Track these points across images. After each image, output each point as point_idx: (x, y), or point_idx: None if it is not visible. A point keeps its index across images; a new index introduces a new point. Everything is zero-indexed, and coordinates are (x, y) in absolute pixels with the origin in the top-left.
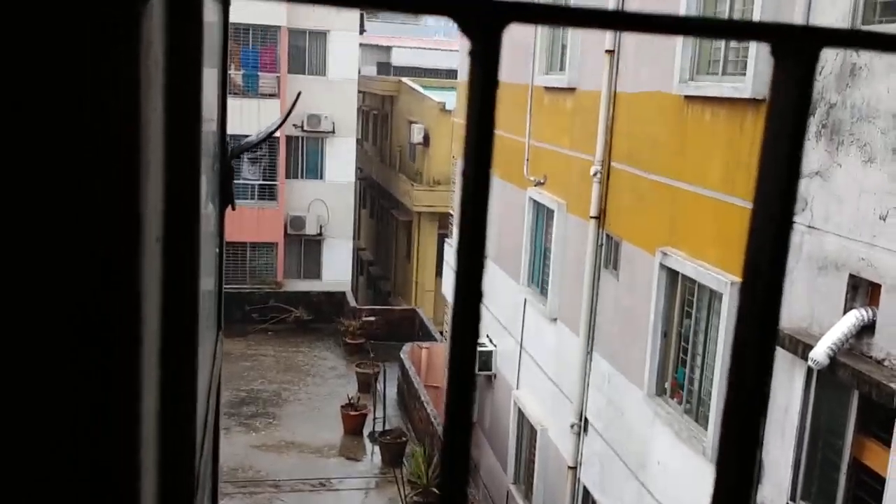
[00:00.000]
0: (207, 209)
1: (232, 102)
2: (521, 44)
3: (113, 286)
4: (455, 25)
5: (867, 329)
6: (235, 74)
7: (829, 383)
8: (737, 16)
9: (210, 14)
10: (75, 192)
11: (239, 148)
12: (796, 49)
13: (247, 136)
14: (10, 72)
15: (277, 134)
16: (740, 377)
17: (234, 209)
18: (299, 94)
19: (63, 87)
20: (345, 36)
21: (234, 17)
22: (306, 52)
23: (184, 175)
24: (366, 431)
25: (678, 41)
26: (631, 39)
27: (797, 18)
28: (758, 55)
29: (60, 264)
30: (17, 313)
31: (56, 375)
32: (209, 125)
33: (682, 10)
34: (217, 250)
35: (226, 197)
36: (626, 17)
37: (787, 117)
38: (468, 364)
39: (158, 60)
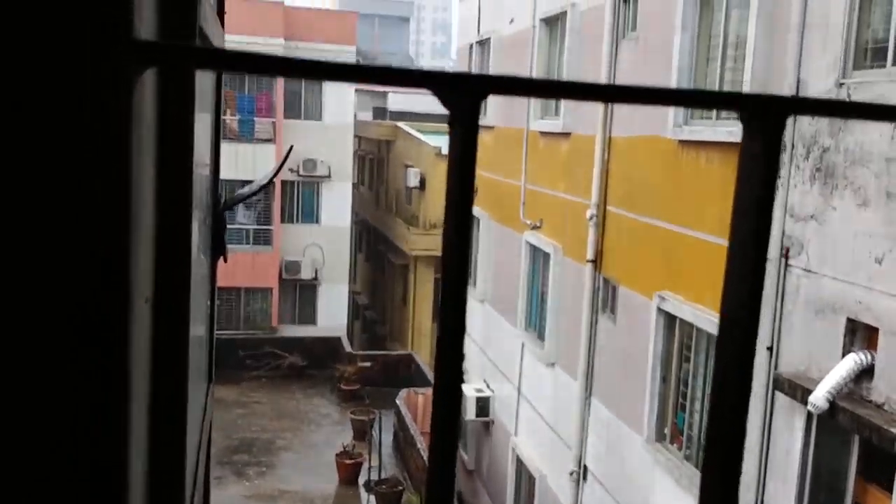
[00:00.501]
0: (199, 261)
1: (228, 147)
2: None
3: (100, 348)
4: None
5: (866, 373)
6: (231, 120)
7: (830, 428)
8: (729, 62)
9: (203, 74)
10: (63, 255)
11: (231, 200)
12: (763, 117)
13: (242, 181)
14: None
15: (275, 180)
16: (721, 412)
17: (225, 261)
18: (291, 147)
19: (55, 154)
20: (340, 83)
21: None
22: (302, 98)
23: (174, 236)
24: (361, 480)
25: (672, 85)
26: (625, 81)
27: (789, 64)
28: None
29: (46, 329)
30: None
31: (43, 453)
32: (202, 176)
33: (674, 61)
34: (209, 302)
35: (218, 248)
36: (598, 88)
37: (756, 183)
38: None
39: (150, 125)
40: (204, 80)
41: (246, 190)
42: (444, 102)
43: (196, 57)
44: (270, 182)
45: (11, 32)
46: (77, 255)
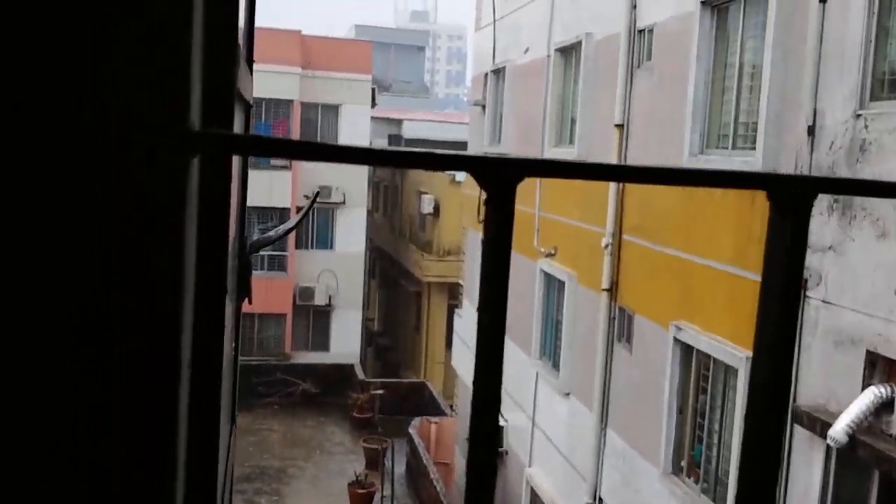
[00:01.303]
0: (228, 305)
1: None
2: (530, 116)
3: (149, 415)
4: (466, 99)
5: (886, 406)
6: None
7: (849, 462)
8: (744, 93)
9: (238, 120)
10: (116, 326)
11: (257, 243)
12: (791, 196)
13: (259, 207)
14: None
15: (288, 205)
16: (753, 450)
17: (250, 302)
18: (318, 192)
19: (114, 247)
20: (357, 109)
21: None
22: (318, 125)
23: (210, 304)
24: None
25: (687, 115)
26: (640, 112)
27: (805, 95)
28: (767, 130)
29: (99, 404)
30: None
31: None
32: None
33: (689, 92)
34: (233, 344)
35: (243, 291)
36: (628, 170)
37: (783, 260)
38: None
39: (194, 203)
40: (239, 119)
41: (272, 233)
42: (482, 184)
43: (239, 145)
44: (296, 226)
45: (63, 123)
46: (135, 333)
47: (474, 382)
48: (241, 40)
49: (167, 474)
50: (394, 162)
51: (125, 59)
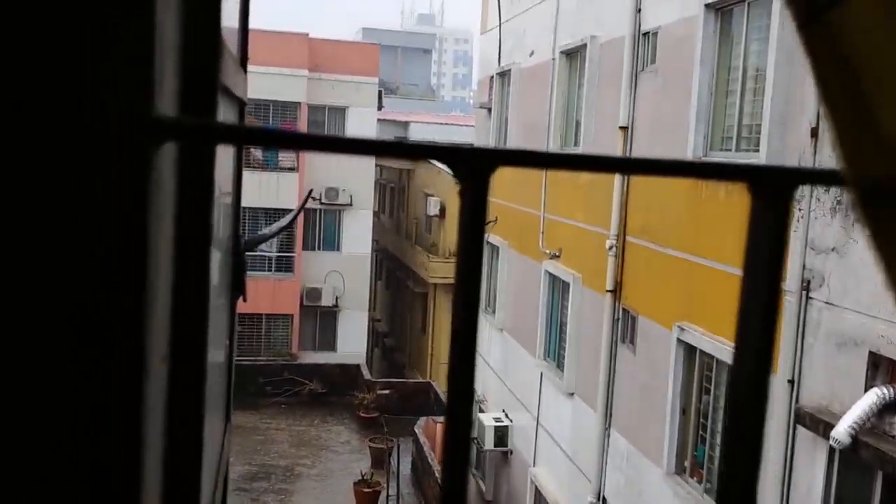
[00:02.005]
0: (218, 305)
1: (251, 176)
2: (536, 119)
3: (114, 410)
4: (471, 102)
5: (889, 407)
6: (255, 149)
7: (852, 463)
8: (748, 95)
9: (229, 117)
10: (80, 319)
11: (252, 241)
12: (772, 188)
13: (266, 209)
14: (19, 201)
15: (295, 207)
16: (735, 444)
17: (245, 300)
18: (311, 191)
19: (72, 234)
20: (363, 111)
21: (254, 94)
22: (325, 127)
23: (192, 298)
24: None
25: (691, 117)
26: (645, 115)
27: (808, 97)
28: (770, 132)
29: (62, 400)
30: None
31: None
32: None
33: (693, 94)
34: (227, 342)
35: (238, 289)
36: (605, 160)
37: (764, 252)
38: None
39: (170, 191)
40: (230, 116)
41: (267, 231)
42: (456, 174)
43: (212, 133)
44: (290, 224)
45: (31, 111)
46: (93, 320)
47: (448, 376)
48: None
49: (130, 471)
50: (362, 150)
51: (88, 45)
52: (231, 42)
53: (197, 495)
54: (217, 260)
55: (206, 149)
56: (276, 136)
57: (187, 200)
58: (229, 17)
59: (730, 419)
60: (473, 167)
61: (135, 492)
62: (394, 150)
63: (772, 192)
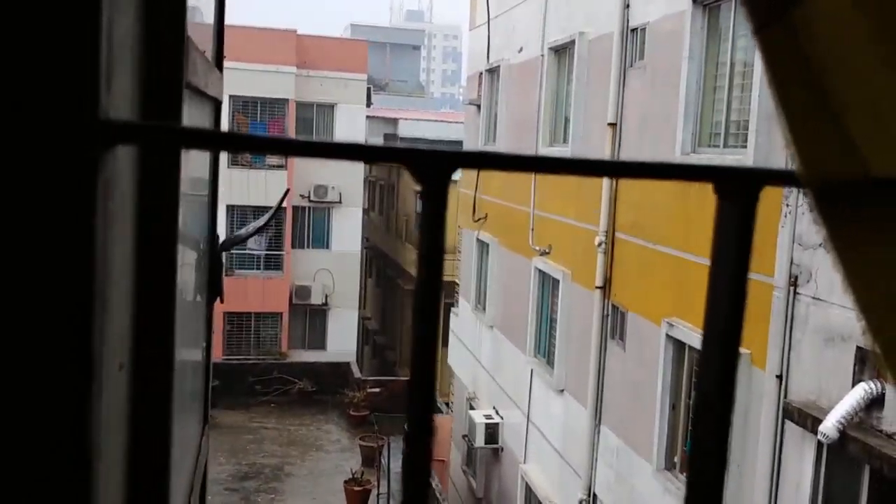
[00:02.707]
0: (192, 305)
1: (240, 174)
2: (525, 116)
3: (64, 421)
4: (461, 98)
5: (876, 402)
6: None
7: (840, 458)
8: (736, 91)
9: (199, 120)
10: (25, 325)
11: (229, 241)
12: (738, 189)
13: (254, 206)
14: None
15: (284, 204)
16: (703, 438)
17: (222, 301)
18: (287, 190)
19: (16, 235)
20: (352, 108)
21: (242, 91)
22: (314, 124)
23: (156, 299)
24: None
25: (680, 113)
26: (633, 111)
27: None
28: (758, 128)
29: (5, 405)
30: None
31: None
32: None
33: (682, 90)
34: (204, 344)
35: (214, 290)
36: (565, 162)
37: (732, 250)
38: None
39: (125, 196)
40: (202, 116)
41: (243, 231)
42: (415, 176)
43: (165, 136)
44: (267, 224)
45: None
46: (40, 325)
47: (410, 377)
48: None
49: (79, 483)
50: (320, 153)
51: (28, 45)
52: (205, 41)
53: (165, 500)
54: (192, 261)
55: (169, 152)
56: (224, 138)
57: (149, 203)
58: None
59: (695, 415)
60: (432, 169)
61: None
62: (349, 153)
63: (738, 192)
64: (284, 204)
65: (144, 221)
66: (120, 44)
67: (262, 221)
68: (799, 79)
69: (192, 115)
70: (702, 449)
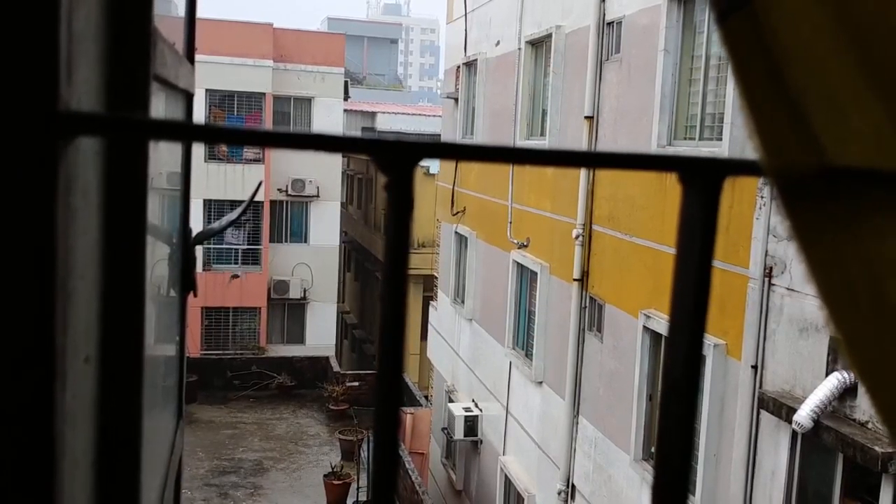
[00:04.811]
0: (164, 300)
1: (217, 168)
2: (502, 109)
3: (26, 414)
4: (439, 92)
5: (850, 391)
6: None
7: (815, 447)
8: (711, 84)
9: (171, 113)
10: None
11: (202, 235)
12: (702, 178)
13: (231, 200)
14: None
15: (262, 199)
16: (669, 426)
17: (195, 295)
18: (260, 183)
19: None
20: (329, 102)
21: (219, 84)
22: (291, 118)
23: (124, 291)
24: (350, 501)
25: (655, 106)
26: (610, 104)
27: None
28: (733, 121)
29: None
30: None
31: None
32: (171, 210)
33: (657, 83)
34: (178, 337)
35: (187, 284)
36: (532, 153)
37: (696, 239)
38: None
39: (88, 186)
40: (173, 108)
41: (216, 225)
42: (380, 167)
43: (123, 127)
44: (240, 217)
45: None
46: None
47: (376, 375)
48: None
49: (42, 479)
50: (284, 143)
51: None
52: (175, 33)
53: (136, 496)
54: (164, 254)
55: (134, 144)
56: (187, 129)
57: (116, 196)
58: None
59: (662, 404)
60: (397, 159)
61: (48, 500)
62: (315, 143)
63: (702, 182)
64: (261, 197)
65: (111, 214)
66: (82, 35)
67: (235, 214)
68: (760, 67)
69: (162, 108)
70: (668, 432)
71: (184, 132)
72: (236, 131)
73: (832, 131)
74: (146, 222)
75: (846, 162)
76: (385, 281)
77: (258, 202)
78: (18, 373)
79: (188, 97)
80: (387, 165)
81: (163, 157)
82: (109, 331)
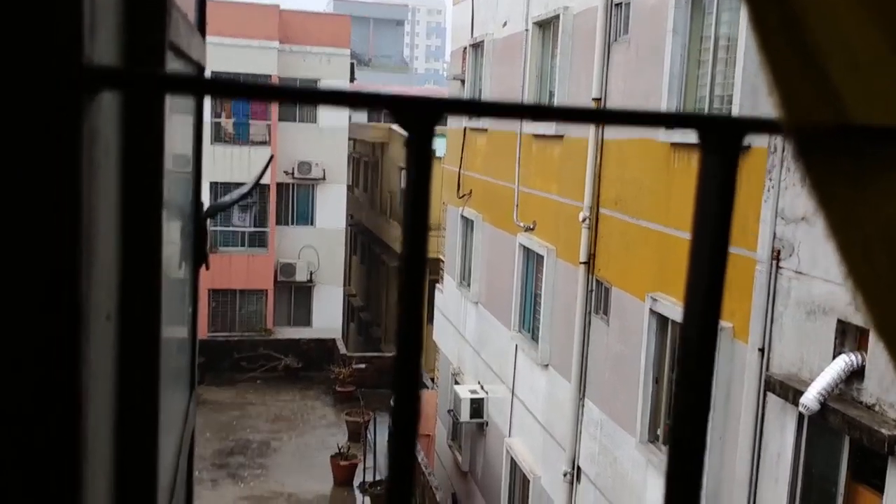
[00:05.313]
0: (178, 269)
1: (223, 150)
2: (509, 91)
3: (52, 370)
4: (445, 74)
5: (857, 374)
6: (227, 123)
7: (821, 429)
8: (720, 65)
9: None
10: (9, 278)
11: (213, 208)
12: (720, 137)
13: (238, 183)
14: None
15: (268, 181)
16: (686, 393)
17: (207, 269)
18: (272, 156)
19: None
20: (335, 84)
21: (225, 67)
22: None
23: (142, 252)
24: (356, 482)
25: (664, 87)
26: (617, 85)
27: None
28: (741, 102)
29: None
30: None
31: None
32: (182, 184)
33: (665, 64)
34: (190, 309)
35: (199, 256)
36: (552, 110)
37: (714, 198)
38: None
39: (109, 145)
40: (185, 99)
41: (227, 198)
42: (401, 123)
43: (144, 80)
44: (251, 191)
45: None
46: (25, 276)
47: (396, 349)
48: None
49: (69, 425)
50: (302, 99)
51: None
52: (187, 5)
53: (154, 451)
54: (177, 226)
55: (152, 101)
56: (210, 85)
57: (134, 154)
58: None
59: (679, 378)
60: (418, 116)
61: (76, 447)
62: (333, 99)
63: (720, 140)
64: (268, 180)
65: (129, 171)
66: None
67: (246, 188)
68: (781, 26)
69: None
70: (684, 402)
71: (200, 86)
72: (252, 86)
73: (852, 89)
74: (163, 178)
75: (866, 119)
76: (406, 239)
77: (265, 185)
78: (47, 325)
79: (200, 70)
80: (408, 122)
81: (174, 131)
82: (128, 288)
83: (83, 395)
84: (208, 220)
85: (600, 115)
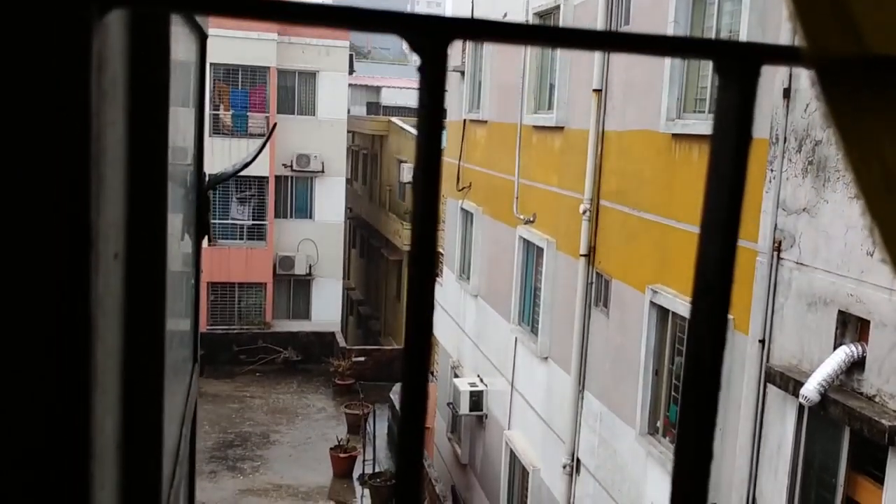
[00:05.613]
0: (184, 240)
1: (222, 142)
2: (509, 83)
3: (62, 301)
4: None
5: (857, 365)
6: (225, 115)
7: (821, 420)
8: (725, 29)
9: (185, 52)
10: (20, 203)
11: (215, 179)
12: (739, 65)
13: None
14: None
15: (266, 174)
16: (694, 373)
17: (210, 241)
18: (275, 124)
19: (11, 97)
20: (334, 76)
21: (223, 59)
22: (296, 93)
23: (149, 191)
24: (355, 474)
25: (665, 79)
26: (618, 77)
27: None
28: None
29: (4, 278)
30: None
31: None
32: (185, 157)
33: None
34: (193, 282)
35: (202, 228)
36: (563, 32)
37: (732, 128)
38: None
39: (116, 76)
40: (188, 52)
41: (229, 169)
42: (412, 46)
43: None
44: (253, 159)
45: None
46: (35, 201)
47: (410, 284)
48: None
49: (81, 386)
50: (309, 19)
51: None
52: None
53: (160, 396)
54: (180, 195)
55: (159, 27)
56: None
57: (141, 82)
58: None
59: (688, 351)
60: (430, 37)
61: (86, 376)
62: (341, 19)
63: (738, 68)
64: (266, 173)
65: (136, 100)
66: None
67: (248, 158)
68: None
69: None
70: (692, 390)
71: (207, 4)
72: (265, 4)
73: (873, 20)
74: (169, 106)
75: (886, 50)
76: (417, 168)
77: (263, 177)
78: (57, 250)
79: (202, 40)
80: (419, 44)
81: (177, 124)
82: (135, 227)
83: (92, 328)
84: (210, 192)
85: (615, 40)
